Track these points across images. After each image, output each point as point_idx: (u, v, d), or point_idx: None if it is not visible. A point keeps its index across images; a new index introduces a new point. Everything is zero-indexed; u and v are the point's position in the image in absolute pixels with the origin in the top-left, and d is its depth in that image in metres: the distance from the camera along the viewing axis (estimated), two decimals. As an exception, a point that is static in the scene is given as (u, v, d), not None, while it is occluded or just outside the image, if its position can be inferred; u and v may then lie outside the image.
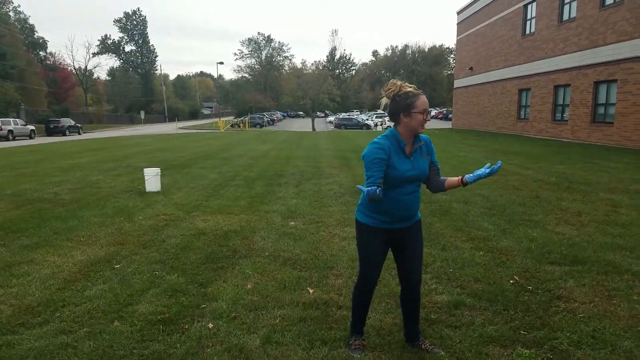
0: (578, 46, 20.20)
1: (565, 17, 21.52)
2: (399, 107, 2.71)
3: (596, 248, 4.99)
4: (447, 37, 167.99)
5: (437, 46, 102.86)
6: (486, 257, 4.79)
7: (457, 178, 2.78)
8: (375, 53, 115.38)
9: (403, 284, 3.03)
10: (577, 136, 20.29)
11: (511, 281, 4.12)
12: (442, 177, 2.90)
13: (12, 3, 61.53)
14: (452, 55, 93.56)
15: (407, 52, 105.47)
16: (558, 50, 21.86)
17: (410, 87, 2.76)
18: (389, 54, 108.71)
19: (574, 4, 20.65)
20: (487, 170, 2.63)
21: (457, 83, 37.90)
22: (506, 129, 27.98)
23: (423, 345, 3.00)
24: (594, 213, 6.62)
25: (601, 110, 19.09)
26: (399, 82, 2.77)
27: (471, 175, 2.68)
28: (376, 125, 49.21)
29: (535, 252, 4.90)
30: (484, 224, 6.14)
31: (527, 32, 25.34)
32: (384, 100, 2.83)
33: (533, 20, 24.55)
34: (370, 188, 2.49)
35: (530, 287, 3.97)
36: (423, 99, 2.70)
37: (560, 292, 3.87)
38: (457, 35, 37.54)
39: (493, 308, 3.58)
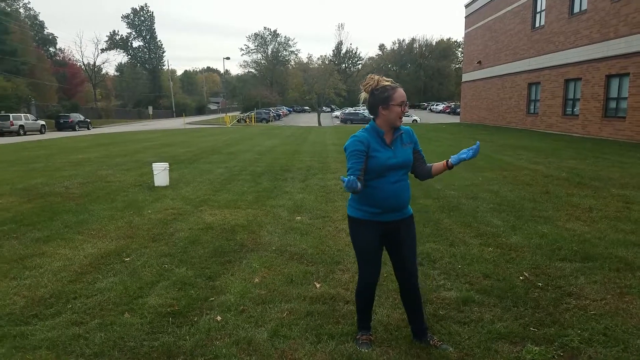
0: (589, 39, 19.97)
1: (576, 9, 21.26)
2: (377, 101, 2.76)
3: (608, 244, 4.94)
4: (455, 30, 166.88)
5: (444, 40, 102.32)
6: (495, 253, 4.77)
7: (442, 162, 2.86)
8: (382, 47, 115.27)
9: (400, 281, 3.03)
10: (588, 131, 20.10)
11: (521, 277, 4.09)
12: (428, 164, 2.95)
13: (23, 0, 61.90)
14: (460, 49, 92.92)
15: (415, 45, 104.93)
16: (569, 43, 21.63)
17: (388, 80, 2.80)
18: (395, 48, 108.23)
19: (585, -3, 20.40)
20: (470, 153, 2.72)
21: (465, 77, 37.64)
22: (515, 123, 27.78)
23: (432, 342, 2.99)
24: (605, 209, 6.56)
25: (613, 104, 18.89)
26: (376, 77, 2.82)
27: (455, 156, 2.76)
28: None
29: (546, 248, 4.87)
30: (493, 219, 6.10)
31: (537, 25, 25.09)
32: (363, 95, 2.87)
33: (543, 13, 24.29)
34: (348, 177, 2.50)
35: (540, 284, 3.94)
36: (400, 92, 2.75)
37: (571, 289, 3.83)
38: (465, 29, 37.25)
39: (502, 304, 3.56)
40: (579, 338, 3.03)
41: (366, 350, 2.92)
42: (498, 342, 3.02)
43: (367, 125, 2.85)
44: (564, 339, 3.03)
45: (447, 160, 2.79)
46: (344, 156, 2.80)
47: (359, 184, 2.54)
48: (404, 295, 3.05)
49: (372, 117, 2.88)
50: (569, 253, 4.68)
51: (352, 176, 2.55)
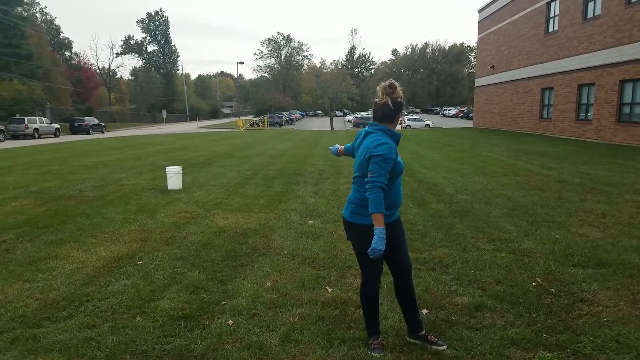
0: (603, 44, 19.78)
1: (590, 14, 21.08)
2: (400, 109, 2.91)
3: (621, 251, 4.89)
4: (468, 35, 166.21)
5: (457, 44, 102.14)
6: (508, 258, 4.74)
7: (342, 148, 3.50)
8: (395, 52, 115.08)
9: (396, 276, 3.10)
10: (601, 136, 19.88)
11: (533, 283, 4.06)
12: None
13: (39, 5, 62.93)
14: (473, 54, 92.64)
15: (428, 50, 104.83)
16: (582, 48, 21.43)
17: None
18: (408, 53, 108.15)
19: (599, 1, 20.21)
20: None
21: (478, 82, 37.46)
22: (528, 128, 27.56)
23: (429, 337, 3.03)
24: (618, 215, 6.49)
25: (627, 109, 18.66)
26: (395, 83, 2.94)
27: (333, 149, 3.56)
28: (406, 126, 49.01)
29: (558, 254, 4.83)
30: (506, 225, 6.06)
31: (550, 30, 24.91)
32: (387, 99, 2.85)
33: (556, 18, 24.11)
34: (381, 248, 2.69)
35: (552, 290, 3.91)
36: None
37: (583, 295, 3.80)
38: (479, 34, 37.10)
39: (515, 310, 3.53)
40: (592, 345, 3.00)
41: (378, 355, 2.92)
42: (510, 348, 3.00)
43: (380, 132, 2.85)
44: (577, 346, 3.00)
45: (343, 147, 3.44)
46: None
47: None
48: (400, 290, 3.11)
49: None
50: (581, 259, 4.63)
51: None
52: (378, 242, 2.64)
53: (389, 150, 2.74)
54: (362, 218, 2.86)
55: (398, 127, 3.08)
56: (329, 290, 3.99)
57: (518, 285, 4.02)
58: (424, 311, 3.54)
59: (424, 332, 3.06)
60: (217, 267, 4.59)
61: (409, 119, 52.08)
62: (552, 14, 24.79)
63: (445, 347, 2.98)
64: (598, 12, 20.30)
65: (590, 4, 21.02)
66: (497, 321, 3.36)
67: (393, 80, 2.92)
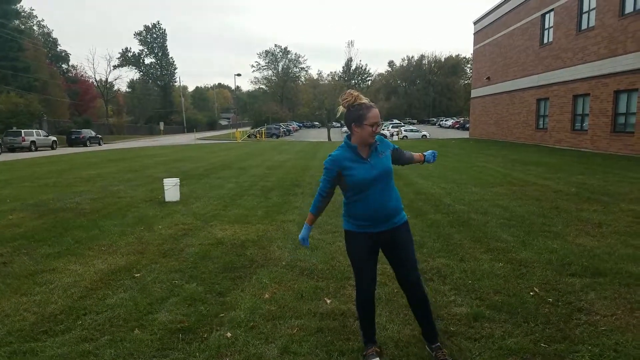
0: (597, 55, 19.97)
1: (584, 26, 21.31)
2: (352, 118, 2.84)
3: (618, 260, 4.90)
4: (463, 46, 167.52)
5: (453, 56, 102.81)
6: (506, 268, 4.75)
7: (419, 155, 3.28)
8: (391, 63, 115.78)
9: (404, 288, 3.07)
10: (596, 146, 20.00)
11: (531, 293, 4.07)
12: (408, 153, 3.21)
13: (36, 17, 63.27)
14: (468, 65, 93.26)
15: (424, 62, 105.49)
16: (577, 59, 21.64)
17: (366, 99, 2.88)
18: (405, 64, 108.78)
19: (593, 13, 20.45)
20: (432, 159, 3.26)
21: (474, 93, 37.69)
22: (524, 138, 27.70)
23: (435, 353, 2.98)
24: (615, 224, 6.51)
25: (621, 119, 18.80)
26: (355, 93, 2.88)
27: (429, 156, 3.27)
28: (392, 135, 49.18)
29: (556, 263, 4.84)
30: (503, 235, 6.08)
31: (545, 41, 25.14)
32: (340, 108, 2.95)
33: (551, 30, 24.35)
34: (301, 237, 3.08)
35: (550, 299, 3.92)
36: (374, 112, 2.82)
37: (581, 304, 3.81)
38: (474, 45, 37.41)
39: (513, 320, 3.54)
40: (590, 354, 3.01)
41: (375, 362, 2.92)
42: (509, 358, 3.00)
43: (342, 143, 2.95)
44: (575, 355, 3.01)
45: (424, 155, 3.26)
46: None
47: (306, 243, 3.08)
48: (412, 303, 3.07)
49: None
50: (579, 268, 4.65)
51: (302, 240, 3.05)
52: (301, 232, 3.08)
53: (327, 160, 2.91)
54: (343, 222, 3.03)
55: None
56: (328, 301, 3.99)
57: (516, 295, 4.03)
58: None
59: (436, 346, 3.01)
60: (215, 279, 4.59)
61: (405, 130, 52.30)
62: (546, 26, 25.05)
63: None
64: (592, 23, 20.52)
65: (585, 16, 21.26)
66: (495, 331, 3.36)
67: (350, 90, 2.95)
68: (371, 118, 2.79)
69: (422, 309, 3.04)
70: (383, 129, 55.56)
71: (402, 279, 3.02)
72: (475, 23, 36.90)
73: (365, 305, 3.04)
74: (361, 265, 2.96)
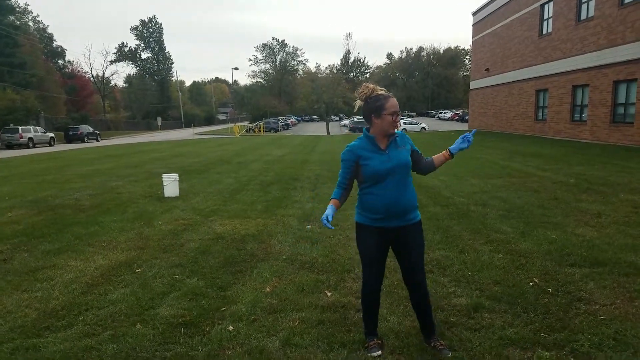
0: (596, 45, 19.93)
1: (583, 16, 21.24)
2: (371, 109, 2.85)
3: (617, 250, 4.92)
4: (462, 38, 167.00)
5: (452, 48, 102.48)
6: (505, 259, 4.76)
7: (442, 153, 3.02)
8: (389, 56, 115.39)
9: (408, 286, 3.09)
10: (596, 137, 20.00)
11: (531, 283, 4.09)
12: (428, 158, 3.06)
13: (32, 13, 62.86)
14: (467, 57, 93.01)
15: (422, 54, 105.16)
16: (576, 50, 21.59)
17: (382, 90, 2.88)
18: (403, 57, 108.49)
19: (592, 3, 20.38)
20: (466, 143, 2.97)
21: (473, 84, 37.64)
22: (523, 130, 27.69)
23: (433, 344, 3.02)
24: (614, 214, 6.53)
25: (621, 110, 18.79)
26: (371, 86, 2.90)
27: (454, 146, 2.97)
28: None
29: (555, 254, 4.86)
30: (503, 226, 6.10)
31: (544, 32, 25.08)
32: (358, 103, 2.97)
33: (550, 20, 24.28)
34: (323, 219, 2.84)
35: (550, 289, 3.94)
36: (392, 101, 2.82)
37: (580, 294, 3.83)
38: (473, 37, 37.31)
39: (513, 310, 3.56)
40: (589, 343, 3.03)
41: (376, 354, 2.94)
42: (509, 348, 3.02)
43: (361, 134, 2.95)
44: (575, 344, 3.02)
45: (447, 151, 2.97)
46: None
47: (328, 222, 2.80)
48: (414, 300, 3.10)
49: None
50: (578, 258, 4.67)
51: (324, 219, 2.82)
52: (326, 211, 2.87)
53: (344, 151, 2.92)
54: (355, 214, 3.04)
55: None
56: (328, 294, 4.00)
57: (516, 285, 4.05)
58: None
59: (433, 339, 3.05)
60: (216, 273, 4.60)
61: (405, 122, 52.25)
62: (545, 16, 24.97)
63: (450, 355, 2.94)
64: (591, 13, 20.46)
65: (584, 6, 21.19)
66: (495, 321, 3.38)
67: (366, 83, 2.96)
68: (390, 107, 2.80)
69: (423, 307, 3.07)
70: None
71: (407, 277, 3.03)
72: (474, 14, 36.78)
73: (371, 298, 3.05)
74: (370, 259, 2.96)
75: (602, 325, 3.27)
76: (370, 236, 2.92)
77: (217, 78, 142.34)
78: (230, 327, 3.41)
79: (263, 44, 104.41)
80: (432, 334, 3.08)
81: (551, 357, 2.88)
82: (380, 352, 2.97)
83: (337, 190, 2.97)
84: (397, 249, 3.00)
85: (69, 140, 39.45)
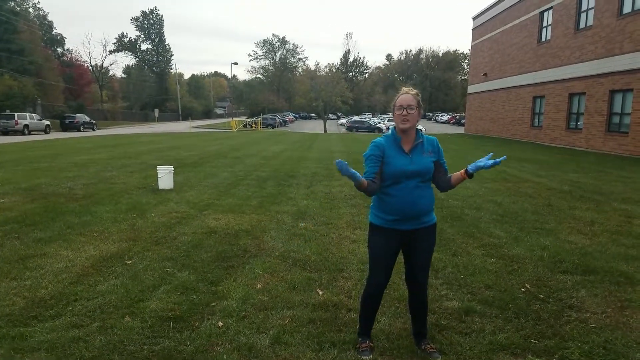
0: (594, 54, 20.01)
1: (582, 25, 21.33)
2: (393, 107, 2.89)
3: (609, 258, 4.94)
4: (461, 42, 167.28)
5: (451, 51, 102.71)
6: (497, 264, 4.76)
7: (460, 172, 2.89)
8: (389, 57, 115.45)
9: (409, 287, 3.08)
10: (591, 145, 20.09)
11: (522, 289, 4.09)
12: (448, 175, 3.00)
13: (32, 0, 62.34)
14: (466, 61, 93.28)
15: (421, 56, 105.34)
16: (574, 58, 21.67)
17: (414, 90, 2.91)
18: (402, 58, 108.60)
19: (591, 12, 20.47)
20: (490, 162, 2.75)
21: (471, 89, 37.71)
22: (519, 135, 27.78)
23: (423, 347, 3.02)
24: (607, 223, 6.55)
25: (616, 119, 18.89)
26: (407, 87, 2.93)
27: (472, 165, 2.80)
28: (388, 128, 49.17)
29: (547, 260, 4.87)
30: (496, 230, 6.10)
31: (543, 39, 25.16)
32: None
33: (549, 28, 24.37)
34: (340, 160, 2.55)
35: (541, 296, 3.94)
36: (401, 97, 2.85)
37: (572, 301, 3.83)
38: (472, 41, 37.38)
39: (504, 315, 3.56)
40: (579, 351, 3.03)
41: (367, 358, 2.93)
42: (499, 353, 3.01)
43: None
44: (565, 352, 3.02)
45: (465, 169, 2.83)
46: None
47: (353, 172, 2.56)
48: (412, 301, 3.09)
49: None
50: (570, 266, 4.67)
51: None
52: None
53: (370, 147, 2.86)
54: (370, 215, 3.01)
55: (390, 132, 3.03)
56: (320, 292, 3.99)
57: (507, 290, 4.04)
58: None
59: (423, 342, 3.06)
60: (208, 268, 4.57)
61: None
62: (545, 24, 25.05)
63: (439, 358, 2.95)
64: (590, 22, 20.54)
65: (583, 15, 21.27)
66: (486, 326, 3.38)
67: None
68: (398, 102, 2.83)
69: (420, 310, 3.07)
70: (379, 123, 55.53)
71: (411, 278, 3.02)
72: (474, 19, 36.84)
73: (372, 300, 3.04)
74: (379, 261, 2.93)
75: (593, 334, 3.27)
76: (382, 238, 2.90)
77: (216, 72, 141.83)
78: (220, 323, 3.39)
79: (263, 40, 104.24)
80: (423, 337, 3.09)
81: (541, 363, 2.87)
82: (370, 356, 2.96)
83: (368, 183, 2.77)
84: (407, 251, 2.98)
85: (65, 128, 39.20)
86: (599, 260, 4.87)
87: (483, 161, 2.76)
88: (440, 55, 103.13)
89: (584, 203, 7.97)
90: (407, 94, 2.83)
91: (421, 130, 3.00)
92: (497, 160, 2.74)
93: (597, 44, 19.85)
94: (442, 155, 2.98)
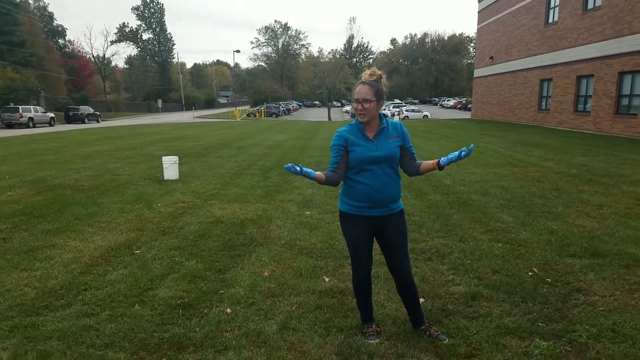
0: (602, 35, 19.73)
1: (590, 5, 21.00)
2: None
3: (617, 241, 4.91)
4: (467, 25, 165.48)
5: (457, 35, 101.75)
6: (504, 248, 4.76)
7: (432, 162, 2.85)
8: (393, 41, 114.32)
9: (394, 276, 3.08)
10: (599, 128, 19.91)
11: (530, 273, 4.08)
12: (418, 161, 2.95)
13: (32, -9, 62.19)
14: (472, 44, 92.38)
15: (427, 40, 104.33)
16: (582, 39, 21.39)
17: (375, 76, 2.83)
18: (407, 43, 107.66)
19: (599, -8, 20.15)
20: (463, 154, 2.66)
21: (477, 72, 37.37)
22: (526, 119, 27.57)
23: (429, 331, 3.03)
24: (615, 206, 6.51)
25: (625, 101, 18.67)
26: (369, 71, 2.86)
27: (445, 158, 2.75)
28: (393, 115, 48.90)
29: (555, 244, 4.85)
30: (503, 215, 6.08)
31: (550, 20, 24.82)
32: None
33: (556, 9, 24.02)
34: (286, 166, 2.63)
35: (549, 280, 3.93)
36: (358, 88, 2.80)
37: (579, 285, 3.82)
38: (478, 24, 36.94)
39: (511, 300, 3.56)
40: (587, 334, 3.03)
41: (374, 342, 2.94)
42: (506, 337, 3.02)
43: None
44: (572, 335, 3.02)
45: (438, 161, 2.78)
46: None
47: (306, 172, 2.66)
48: (399, 289, 3.10)
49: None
50: (578, 249, 4.66)
51: (292, 164, 2.64)
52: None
53: (333, 137, 2.91)
54: (339, 203, 3.03)
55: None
56: (326, 279, 4.00)
57: (514, 275, 4.04)
58: (421, 300, 3.55)
59: (424, 327, 3.07)
60: (215, 256, 4.60)
61: (407, 110, 51.94)
62: (552, 5, 24.69)
63: (446, 340, 2.96)
64: (598, 3, 20.22)
65: (591, -5, 20.94)
66: (493, 310, 3.38)
67: (373, 68, 2.91)
68: (354, 94, 2.81)
69: (409, 295, 3.07)
70: (383, 109, 55.16)
71: (392, 266, 3.03)
72: (479, 1, 36.37)
73: (360, 285, 3.05)
74: (356, 246, 2.96)
75: (601, 317, 3.26)
76: (355, 224, 2.91)
77: (218, 61, 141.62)
78: (228, 310, 3.42)
79: (265, 27, 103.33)
80: (420, 321, 3.09)
81: (549, 347, 2.88)
82: (377, 340, 2.98)
83: (328, 172, 2.88)
84: (381, 239, 2.99)
85: (69, 120, 39.25)
86: (607, 243, 4.85)
87: (454, 154, 2.70)
88: (446, 39, 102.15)
89: (592, 186, 7.92)
90: (362, 85, 2.77)
91: (385, 116, 2.96)
92: (468, 150, 2.66)
93: (605, 25, 19.56)
94: (409, 140, 2.94)
